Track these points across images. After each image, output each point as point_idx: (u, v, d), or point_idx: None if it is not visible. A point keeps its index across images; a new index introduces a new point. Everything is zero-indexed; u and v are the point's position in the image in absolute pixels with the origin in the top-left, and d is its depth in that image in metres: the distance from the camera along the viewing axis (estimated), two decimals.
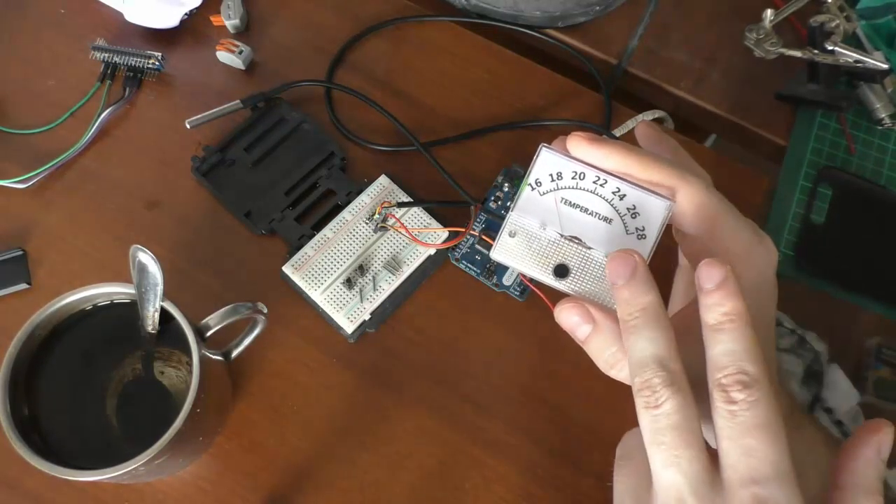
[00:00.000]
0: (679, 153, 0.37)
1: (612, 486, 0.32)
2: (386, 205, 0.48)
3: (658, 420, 0.27)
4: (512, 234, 0.32)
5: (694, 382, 0.28)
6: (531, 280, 0.47)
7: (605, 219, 0.31)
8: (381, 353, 0.47)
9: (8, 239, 0.49)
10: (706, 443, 0.27)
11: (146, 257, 0.36)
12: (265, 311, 0.40)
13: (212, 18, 0.56)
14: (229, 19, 0.55)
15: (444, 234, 0.48)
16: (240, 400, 0.45)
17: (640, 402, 0.27)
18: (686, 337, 0.30)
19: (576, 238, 0.32)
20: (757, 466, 0.26)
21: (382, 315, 0.47)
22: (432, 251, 0.48)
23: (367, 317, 0.46)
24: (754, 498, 0.25)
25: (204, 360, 0.37)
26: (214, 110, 0.51)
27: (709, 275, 0.28)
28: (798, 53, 0.54)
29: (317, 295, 0.46)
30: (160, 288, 0.36)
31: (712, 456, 0.27)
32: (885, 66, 0.53)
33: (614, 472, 0.33)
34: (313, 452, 0.44)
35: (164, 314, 0.37)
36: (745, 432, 0.26)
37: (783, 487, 0.25)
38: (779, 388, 0.32)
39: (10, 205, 0.50)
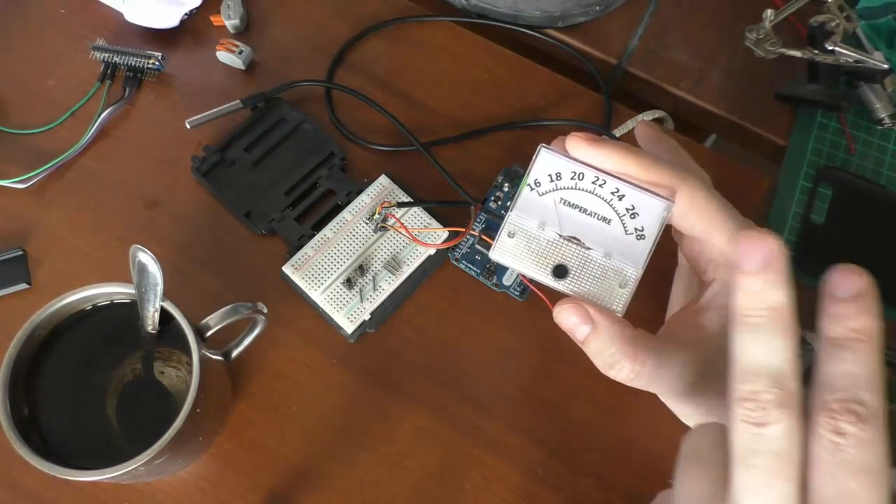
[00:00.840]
0: (679, 153, 0.37)
1: (674, 484, 0.30)
2: (386, 205, 0.48)
3: (758, 441, 0.24)
4: (511, 235, 0.32)
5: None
6: (531, 280, 0.47)
7: (604, 219, 0.31)
8: (381, 353, 0.47)
9: (8, 239, 0.49)
10: None
11: (146, 257, 0.36)
12: (265, 311, 0.40)
13: (212, 18, 0.56)
14: (229, 19, 0.55)
15: (444, 234, 0.48)
16: (240, 400, 0.45)
17: (739, 413, 0.24)
18: (674, 341, 0.30)
19: (574, 238, 0.32)
20: None
21: (382, 315, 0.47)
22: (432, 251, 0.48)
23: (367, 317, 0.46)
24: None
25: (204, 360, 0.37)
26: (214, 110, 0.52)
27: (845, 283, 0.24)
28: (798, 53, 0.54)
29: (317, 295, 0.46)
30: (160, 288, 0.36)
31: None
32: (885, 66, 0.53)
33: (678, 470, 0.29)
34: (313, 452, 0.44)
35: (164, 314, 0.37)
36: (848, 473, 0.23)
37: None
38: None
39: (10, 205, 0.50)
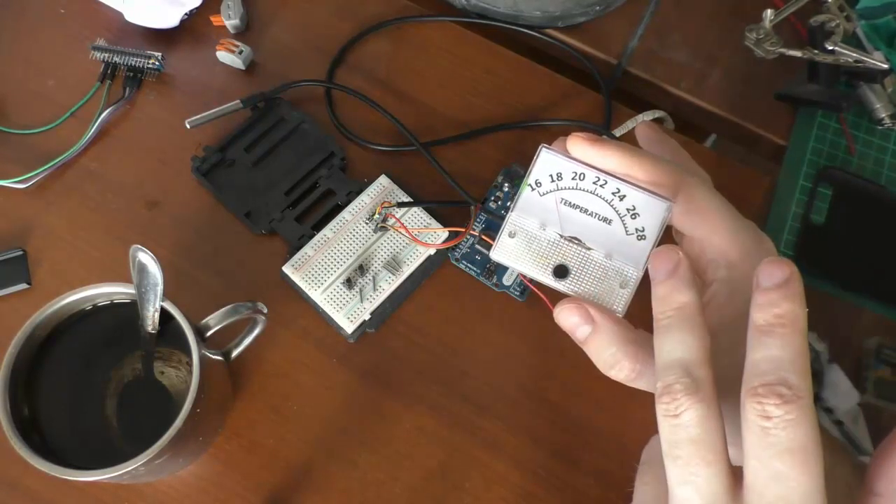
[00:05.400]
0: (679, 154, 0.37)
1: (633, 491, 0.31)
2: (386, 205, 0.48)
3: (676, 431, 0.25)
4: (512, 235, 0.32)
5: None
6: (531, 280, 0.47)
7: (605, 219, 0.31)
8: (381, 353, 0.47)
9: (8, 239, 0.49)
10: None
11: (146, 257, 0.36)
12: (265, 311, 0.40)
13: (212, 18, 0.56)
14: (229, 19, 0.55)
15: (444, 234, 0.48)
16: (240, 400, 0.45)
17: (659, 409, 0.25)
18: None
19: (575, 239, 0.32)
20: (785, 495, 0.23)
21: (382, 315, 0.47)
22: (432, 251, 0.48)
23: (367, 317, 0.46)
24: None
25: (204, 360, 0.37)
26: (214, 110, 0.51)
27: (770, 273, 0.25)
28: (798, 53, 0.54)
29: (317, 295, 0.46)
30: (160, 288, 0.36)
31: (737, 472, 0.25)
32: (885, 66, 0.53)
33: (637, 476, 0.31)
34: (313, 452, 0.44)
35: (164, 314, 0.37)
36: (776, 455, 0.23)
37: None
38: None
39: (10, 205, 0.50)
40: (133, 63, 0.53)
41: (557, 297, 0.32)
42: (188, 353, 0.36)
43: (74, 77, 0.54)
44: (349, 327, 0.46)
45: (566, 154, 0.32)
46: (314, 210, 0.50)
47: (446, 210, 0.50)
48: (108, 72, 0.54)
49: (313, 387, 0.46)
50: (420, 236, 0.48)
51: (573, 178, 0.32)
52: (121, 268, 0.39)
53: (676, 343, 0.26)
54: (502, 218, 0.49)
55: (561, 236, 0.32)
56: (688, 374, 0.25)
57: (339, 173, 0.51)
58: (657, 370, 0.26)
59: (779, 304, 0.25)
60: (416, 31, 0.58)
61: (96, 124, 0.52)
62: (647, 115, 0.54)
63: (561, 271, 0.31)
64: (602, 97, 0.55)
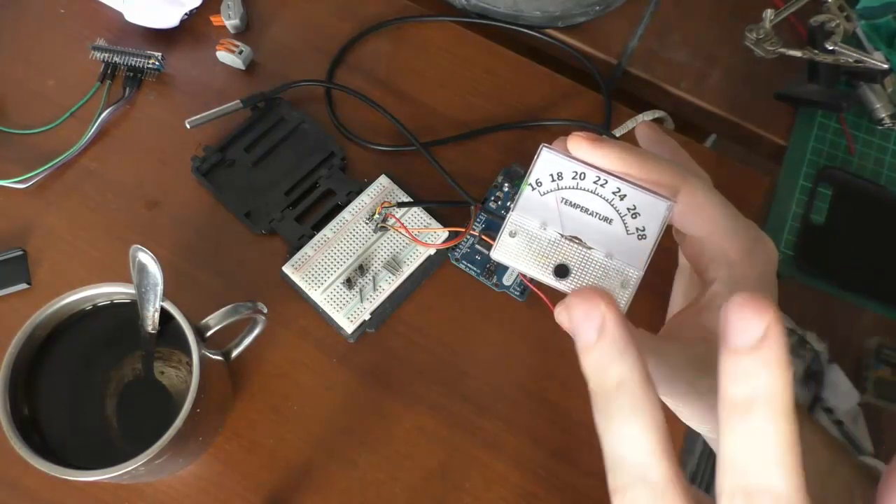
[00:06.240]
0: (679, 153, 0.37)
1: None
2: (386, 205, 0.48)
3: None
4: (512, 234, 0.32)
5: (674, 391, 0.26)
6: (531, 280, 0.47)
7: (606, 219, 0.31)
8: (381, 353, 0.47)
9: (8, 239, 0.49)
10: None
11: (146, 257, 0.36)
12: (265, 311, 0.40)
13: (212, 18, 0.56)
14: (229, 19, 0.55)
15: (444, 234, 0.48)
16: (240, 400, 0.45)
17: None
18: (675, 341, 0.30)
19: (576, 238, 0.31)
20: None
21: (382, 315, 0.47)
22: (432, 251, 0.48)
23: (367, 317, 0.46)
24: None
25: (204, 360, 0.37)
26: (214, 110, 0.51)
27: (741, 324, 0.19)
28: (798, 53, 0.54)
29: (317, 295, 0.46)
30: (160, 288, 0.36)
31: None
32: (885, 66, 0.53)
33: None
34: (313, 452, 0.44)
35: (164, 314, 0.37)
36: None
37: None
38: None
39: (10, 205, 0.50)
40: (133, 63, 0.53)
41: (557, 296, 0.32)
42: (188, 353, 0.36)
43: (74, 77, 0.54)
44: (349, 327, 0.46)
45: (567, 154, 0.32)
46: (314, 210, 0.50)
47: (446, 210, 0.50)
48: (108, 72, 0.54)
49: (313, 387, 0.46)
50: (420, 236, 0.48)
51: (574, 178, 0.32)
52: (121, 268, 0.39)
53: (623, 435, 0.21)
54: (502, 218, 0.49)
55: (562, 236, 0.32)
56: (643, 480, 0.21)
57: (339, 173, 0.51)
58: (606, 459, 0.22)
59: (755, 374, 0.19)
60: (416, 31, 0.58)
61: (96, 124, 0.51)
62: (647, 115, 0.54)
63: (561, 271, 0.31)
64: (602, 97, 0.55)
